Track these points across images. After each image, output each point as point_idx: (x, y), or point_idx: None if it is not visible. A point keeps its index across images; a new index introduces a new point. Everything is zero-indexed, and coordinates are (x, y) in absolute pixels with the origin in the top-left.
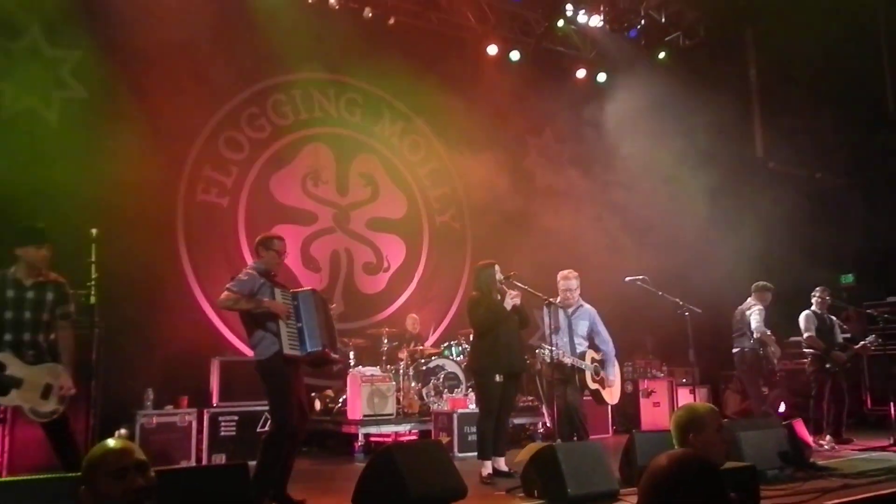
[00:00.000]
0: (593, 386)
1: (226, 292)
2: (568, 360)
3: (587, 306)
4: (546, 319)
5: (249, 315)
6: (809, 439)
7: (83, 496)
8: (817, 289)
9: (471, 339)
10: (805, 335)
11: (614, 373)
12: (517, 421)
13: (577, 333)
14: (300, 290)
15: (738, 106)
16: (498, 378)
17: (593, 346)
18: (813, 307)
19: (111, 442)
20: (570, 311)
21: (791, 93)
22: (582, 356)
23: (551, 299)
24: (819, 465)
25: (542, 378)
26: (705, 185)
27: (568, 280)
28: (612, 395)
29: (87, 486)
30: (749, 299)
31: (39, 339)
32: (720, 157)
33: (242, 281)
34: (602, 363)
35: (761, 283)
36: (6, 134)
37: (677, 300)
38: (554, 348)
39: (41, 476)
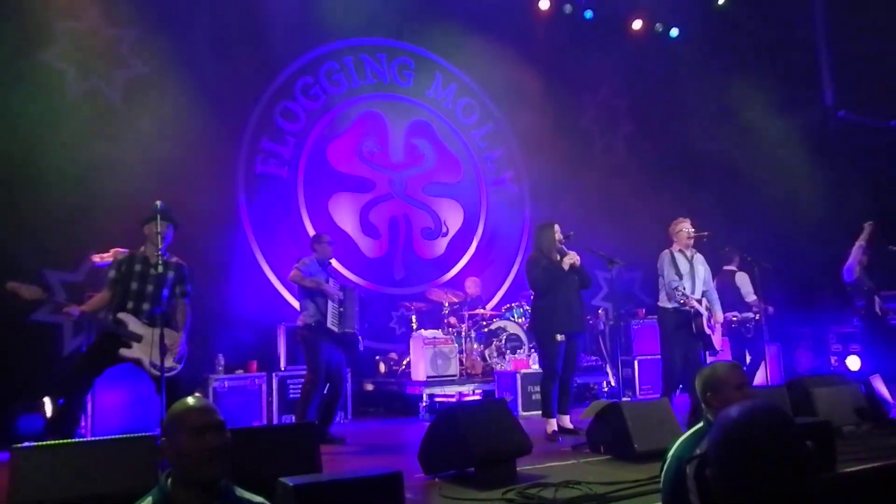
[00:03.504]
0: (707, 331)
1: (295, 271)
2: (692, 304)
3: (699, 253)
4: (665, 267)
5: (305, 289)
6: (888, 395)
7: (163, 447)
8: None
9: (531, 299)
10: (750, 298)
11: (719, 320)
12: (581, 380)
13: (698, 277)
14: (346, 285)
15: (804, 51)
16: (559, 338)
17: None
18: (735, 266)
19: (191, 400)
20: (689, 255)
21: (862, 35)
22: (699, 301)
23: (614, 259)
24: None
25: (605, 337)
26: (774, 136)
27: (686, 223)
28: (718, 342)
29: (167, 439)
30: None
31: (156, 311)
32: (788, 106)
33: (307, 264)
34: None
35: None
36: (72, 114)
37: (746, 255)
38: (684, 289)
39: (123, 437)
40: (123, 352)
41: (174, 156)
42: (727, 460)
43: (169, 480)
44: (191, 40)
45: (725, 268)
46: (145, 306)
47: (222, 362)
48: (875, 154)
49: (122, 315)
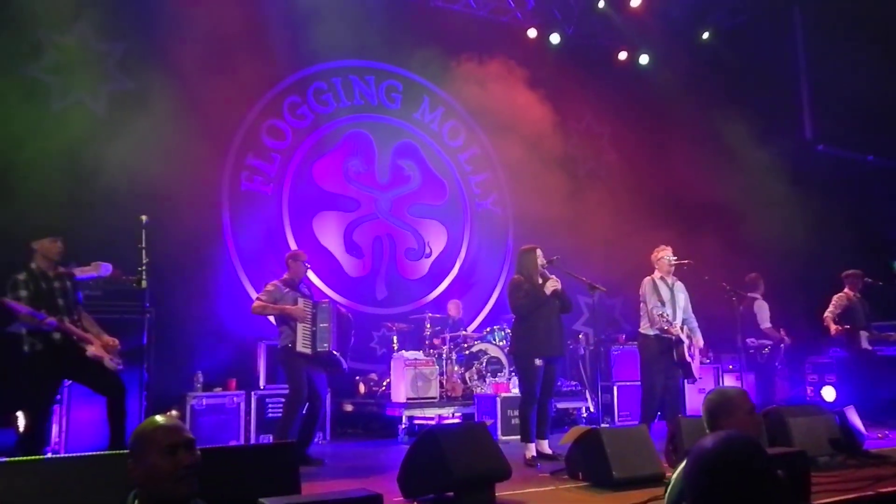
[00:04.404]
0: (688, 360)
1: (256, 302)
2: (675, 331)
3: (679, 281)
4: (648, 294)
5: (275, 316)
6: (862, 427)
7: (131, 467)
8: (754, 275)
9: (512, 322)
10: (763, 326)
11: (698, 348)
12: (560, 405)
13: (678, 305)
14: (321, 301)
15: (785, 87)
16: (538, 362)
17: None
18: (758, 293)
19: (160, 419)
20: (670, 282)
21: (841, 72)
22: (680, 328)
23: (596, 284)
24: (872, 454)
25: (585, 362)
26: (754, 169)
27: (668, 251)
28: (697, 371)
29: (135, 458)
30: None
31: (75, 320)
32: (768, 140)
33: (269, 292)
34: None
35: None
36: (57, 127)
37: (724, 284)
38: (668, 316)
39: (96, 454)
40: (91, 351)
41: (158, 170)
42: (701, 489)
43: (136, 501)
44: (178, 57)
45: (749, 294)
46: (65, 319)
47: (201, 380)
48: (854, 187)
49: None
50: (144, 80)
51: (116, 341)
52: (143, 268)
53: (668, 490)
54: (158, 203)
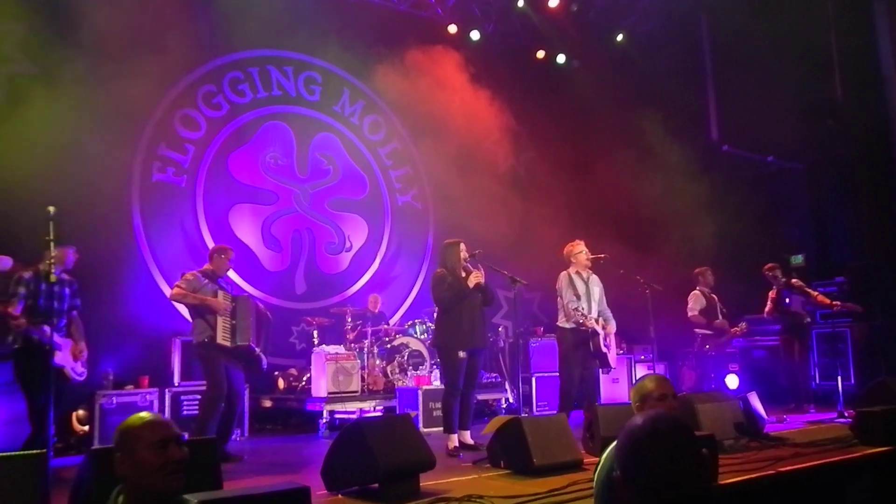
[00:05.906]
0: (604, 350)
1: (176, 288)
2: (590, 324)
3: (595, 275)
4: (564, 289)
5: (193, 306)
6: (763, 411)
7: (119, 463)
8: (701, 269)
9: (434, 315)
10: (689, 314)
11: (613, 338)
12: (481, 396)
13: (594, 298)
14: (239, 295)
15: (693, 89)
16: (462, 354)
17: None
18: (699, 287)
19: (147, 415)
20: (586, 276)
21: (744, 77)
22: (595, 321)
23: (517, 278)
24: (772, 436)
25: (504, 355)
26: (662, 166)
27: (581, 245)
28: (613, 360)
29: (124, 453)
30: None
31: (63, 324)
32: (676, 139)
33: (188, 280)
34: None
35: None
36: None
37: (638, 278)
38: (583, 310)
39: (8, 454)
40: (57, 359)
41: (62, 159)
42: (632, 463)
43: (120, 498)
44: (85, 40)
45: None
46: (54, 321)
47: (111, 377)
48: (757, 186)
49: (45, 328)
50: (48, 64)
51: (84, 350)
52: (52, 261)
53: (598, 468)
54: (62, 193)
